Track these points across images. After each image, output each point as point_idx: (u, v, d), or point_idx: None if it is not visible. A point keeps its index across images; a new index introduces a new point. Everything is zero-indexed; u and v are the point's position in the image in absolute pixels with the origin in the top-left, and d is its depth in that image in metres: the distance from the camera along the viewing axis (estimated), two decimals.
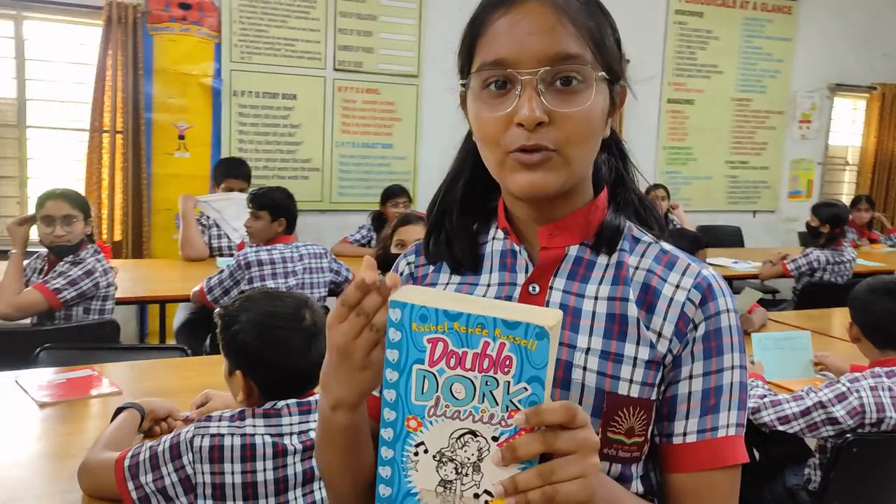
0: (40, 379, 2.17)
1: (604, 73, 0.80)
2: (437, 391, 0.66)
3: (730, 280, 5.05)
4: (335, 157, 5.39)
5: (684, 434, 0.82)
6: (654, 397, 0.82)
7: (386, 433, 0.68)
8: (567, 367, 0.80)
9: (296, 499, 1.40)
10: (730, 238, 6.39)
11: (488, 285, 0.88)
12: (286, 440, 1.40)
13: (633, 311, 0.82)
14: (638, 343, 0.81)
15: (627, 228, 0.89)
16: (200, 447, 1.36)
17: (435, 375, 0.66)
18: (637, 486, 0.84)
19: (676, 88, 6.38)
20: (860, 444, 1.92)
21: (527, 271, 0.86)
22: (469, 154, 0.90)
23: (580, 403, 0.79)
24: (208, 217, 4.27)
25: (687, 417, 0.82)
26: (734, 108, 6.63)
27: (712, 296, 0.83)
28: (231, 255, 3.82)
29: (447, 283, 0.90)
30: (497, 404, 0.65)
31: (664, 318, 0.82)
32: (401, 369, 0.67)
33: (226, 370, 1.53)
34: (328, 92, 5.30)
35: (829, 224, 4.35)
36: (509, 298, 0.85)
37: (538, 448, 0.64)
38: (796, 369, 2.40)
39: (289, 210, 3.41)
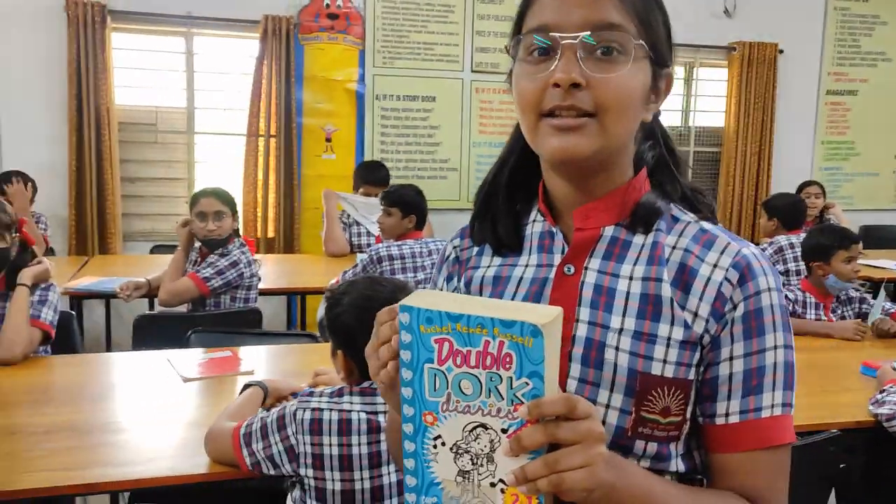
0: (187, 358, 2.41)
1: (645, 45, 0.81)
2: (447, 388, 0.70)
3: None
4: (472, 156, 5.50)
5: (727, 415, 0.82)
6: (691, 377, 0.82)
7: (407, 428, 0.74)
8: (600, 348, 0.82)
9: (389, 473, 1.50)
10: None
11: (526, 266, 0.90)
12: (380, 417, 1.49)
13: (667, 291, 0.82)
14: (672, 323, 0.82)
15: (667, 209, 0.88)
16: (302, 420, 1.48)
17: (444, 373, 0.70)
18: (678, 464, 0.84)
19: (837, 78, 5.96)
20: None
21: (563, 252, 0.88)
22: (518, 139, 0.93)
23: (612, 383, 0.81)
24: (349, 216, 4.50)
25: (729, 399, 0.82)
26: None
27: (752, 275, 0.82)
28: None
29: (489, 265, 0.93)
30: (503, 398, 0.68)
31: (700, 299, 0.82)
32: (414, 368, 0.72)
33: (331, 349, 1.65)
34: (466, 93, 5.43)
35: None
36: (545, 280, 0.88)
37: (541, 439, 0.67)
38: None
39: (419, 207, 3.54)
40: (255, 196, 5.17)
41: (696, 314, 0.82)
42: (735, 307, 0.82)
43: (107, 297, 3.67)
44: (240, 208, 5.07)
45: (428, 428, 0.72)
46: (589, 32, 0.79)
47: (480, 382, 0.69)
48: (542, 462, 0.68)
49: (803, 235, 3.38)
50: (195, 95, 5.17)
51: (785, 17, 5.77)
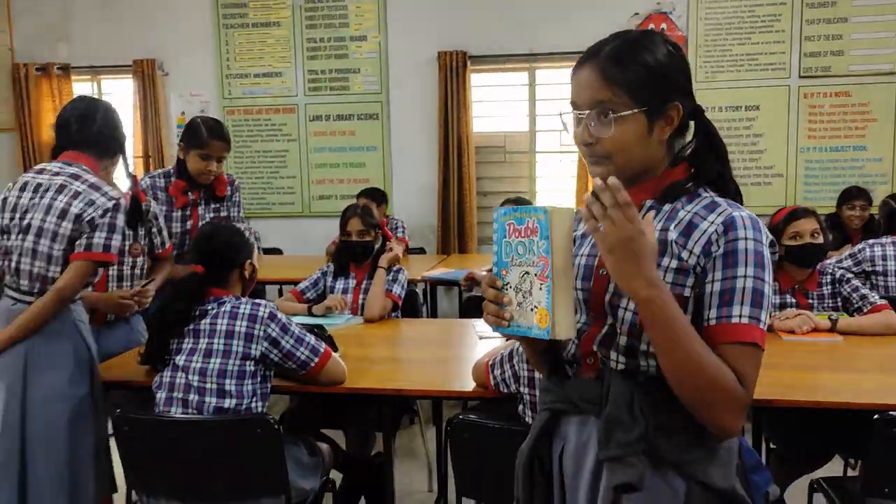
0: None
1: (634, 108, 1.25)
2: (512, 251, 1.24)
3: None
4: (800, 162, 5.48)
5: (709, 319, 1.21)
6: (686, 294, 1.23)
7: (498, 283, 1.27)
8: None
9: None
10: None
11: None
12: None
13: (672, 236, 1.25)
14: (671, 257, 1.24)
15: (697, 190, 1.29)
16: (521, 352, 2.09)
17: (511, 243, 1.24)
18: None
19: None
20: None
21: None
22: None
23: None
24: None
25: (710, 308, 1.21)
26: None
27: (734, 227, 1.21)
28: None
29: (583, 228, 1.36)
30: (535, 254, 1.20)
31: (696, 242, 1.23)
32: (498, 244, 1.27)
33: None
34: (793, 99, 5.44)
35: None
36: None
37: (597, 210, 1.15)
38: None
39: None
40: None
41: (691, 251, 1.24)
42: (719, 248, 1.22)
43: (449, 283, 4.63)
44: None
45: (504, 279, 1.26)
46: (590, 109, 1.27)
47: (526, 246, 1.22)
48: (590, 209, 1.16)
49: None
50: (536, 120, 6.04)
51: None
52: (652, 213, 1.29)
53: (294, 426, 2.81)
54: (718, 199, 1.28)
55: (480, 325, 3.14)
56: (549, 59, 5.85)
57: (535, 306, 1.20)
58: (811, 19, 5.36)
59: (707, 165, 1.33)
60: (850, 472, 3.08)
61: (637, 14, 5.68)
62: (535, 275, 1.20)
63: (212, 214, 3.36)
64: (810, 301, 2.95)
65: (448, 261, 5.23)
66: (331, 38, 6.14)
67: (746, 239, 1.21)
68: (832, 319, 2.76)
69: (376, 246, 3.38)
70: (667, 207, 1.30)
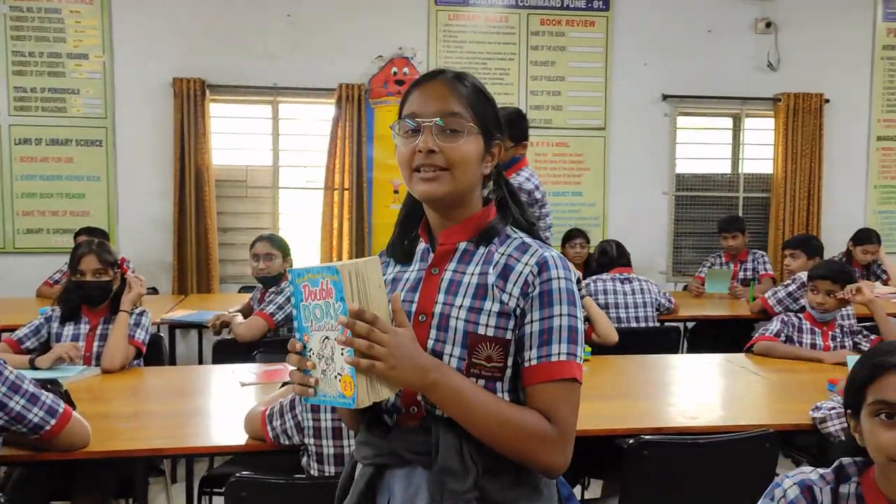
0: (247, 370, 2.96)
1: (476, 128, 1.27)
2: (311, 316, 1.15)
3: None
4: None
5: (529, 360, 1.23)
6: (508, 337, 1.23)
7: (299, 346, 1.17)
8: (447, 318, 1.25)
9: None
10: None
11: (412, 271, 1.35)
12: None
13: (492, 280, 1.25)
14: (493, 301, 1.24)
15: (506, 231, 1.32)
16: (306, 401, 1.96)
17: (308, 307, 1.15)
18: (504, 397, 1.24)
19: (887, 125, 6.10)
20: None
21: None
22: (409, 198, 1.39)
23: (454, 340, 1.23)
24: None
25: (530, 348, 1.23)
26: None
27: (547, 268, 1.24)
28: None
29: (394, 271, 1.37)
30: (333, 318, 1.11)
31: (514, 284, 1.24)
32: (296, 307, 1.16)
33: None
34: None
35: None
36: (420, 279, 1.32)
37: (349, 340, 1.09)
38: None
39: None
40: (331, 242, 5.77)
41: (510, 294, 1.24)
42: (535, 288, 1.23)
43: (195, 326, 4.30)
44: (317, 253, 5.73)
45: (307, 345, 1.16)
46: (439, 118, 1.26)
47: (323, 309, 1.13)
48: (348, 357, 1.09)
49: None
50: (280, 155, 5.89)
51: (829, 68, 6.01)
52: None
53: (15, 499, 2.35)
54: (528, 240, 1.30)
55: (241, 371, 2.91)
56: (293, 94, 5.75)
57: (339, 373, 1.12)
58: (535, 76, 5.89)
59: (510, 212, 1.36)
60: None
61: (381, 56, 5.82)
62: (336, 339, 1.11)
63: None
64: None
65: (187, 301, 4.85)
66: (43, 53, 5.47)
67: (559, 279, 1.24)
68: None
69: (115, 286, 3.00)
70: (482, 250, 1.30)
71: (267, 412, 2.06)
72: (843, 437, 2.24)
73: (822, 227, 5.96)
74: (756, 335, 3.42)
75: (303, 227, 5.92)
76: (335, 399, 1.13)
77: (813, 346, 3.28)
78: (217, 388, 2.79)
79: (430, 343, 1.24)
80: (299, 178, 5.97)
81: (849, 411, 1.36)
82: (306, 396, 1.17)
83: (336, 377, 1.12)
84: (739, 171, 6.17)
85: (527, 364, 1.23)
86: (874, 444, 1.27)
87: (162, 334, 3.61)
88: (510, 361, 1.25)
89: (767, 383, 2.93)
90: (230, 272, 5.84)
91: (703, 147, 6.30)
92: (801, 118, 5.92)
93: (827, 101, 5.97)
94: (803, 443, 2.90)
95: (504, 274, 1.25)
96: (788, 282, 4.22)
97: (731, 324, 4.51)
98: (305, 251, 5.78)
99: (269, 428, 2.04)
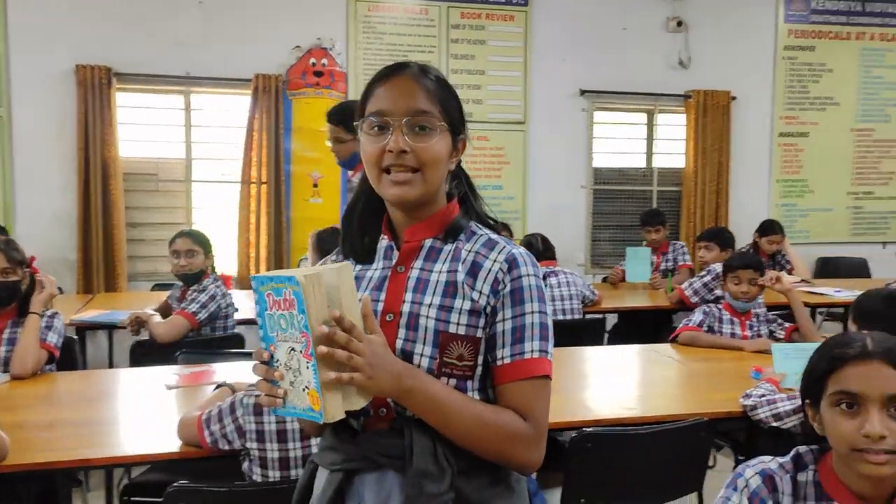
0: (170, 372, 2.82)
1: (445, 125, 1.23)
2: (276, 326, 1.08)
3: (830, 307, 5.05)
4: None
5: (502, 358, 1.20)
6: (478, 335, 1.20)
7: (266, 355, 1.10)
8: (416, 317, 1.21)
9: (315, 444, 1.88)
10: (853, 269, 6.24)
11: (376, 269, 1.31)
12: None
13: (461, 278, 1.22)
14: (463, 299, 1.21)
15: (470, 226, 1.29)
16: (247, 404, 1.88)
17: (273, 316, 1.08)
18: (474, 396, 1.21)
19: (788, 122, 6.42)
20: None
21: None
22: (365, 183, 1.34)
23: (425, 339, 1.19)
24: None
25: (503, 347, 1.20)
26: (855, 138, 6.55)
27: (516, 265, 1.21)
28: None
29: (355, 270, 1.32)
30: (297, 329, 1.05)
31: (483, 282, 1.21)
32: (261, 316, 1.09)
33: None
34: None
35: None
36: (385, 278, 1.28)
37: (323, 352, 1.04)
38: None
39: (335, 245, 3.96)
40: (248, 238, 5.60)
41: (480, 292, 1.21)
42: (505, 286, 1.21)
43: (108, 327, 4.07)
44: (234, 249, 5.55)
45: (274, 355, 1.09)
46: (410, 117, 1.21)
47: (287, 319, 1.06)
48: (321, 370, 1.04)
49: None
50: (193, 147, 5.66)
51: (736, 67, 6.27)
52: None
53: None
54: (493, 236, 1.28)
55: (165, 374, 2.77)
56: (207, 84, 5.54)
57: (307, 386, 1.06)
58: (455, 69, 5.89)
59: (472, 207, 1.34)
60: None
61: (298, 47, 5.68)
62: (300, 352, 1.06)
63: None
64: None
65: (95, 301, 4.59)
66: None
67: (529, 276, 1.22)
68: None
69: (23, 286, 2.79)
70: (449, 247, 1.27)
71: (203, 417, 1.96)
72: (774, 424, 2.33)
73: (730, 219, 6.21)
74: (680, 326, 3.52)
75: (218, 222, 5.71)
76: (304, 412, 1.07)
77: (733, 335, 3.40)
78: (139, 392, 2.63)
79: (400, 343, 1.20)
80: (214, 172, 5.76)
81: (807, 401, 1.40)
82: (274, 407, 1.11)
83: (304, 390, 1.06)
84: (653, 165, 6.36)
85: (499, 362, 1.21)
86: (835, 433, 1.30)
87: (74, 337, 3.39)
88: (480, 360, 1.22)
89: (694, 373, 3.02)
90: (140, 269, 5.58)
91: (619, 142, 6.45)
92: (710, 115, 6.16)
93: (734, 98, 6.22)
94: (726, 429, 2.99)
95: (473, 271, 1.23)
96: (704, 273, 4.36)
97: (650, 315, 4.63)
98: (221, 247, 5.57)
99: (206, 433, 1.94)
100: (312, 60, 5.70)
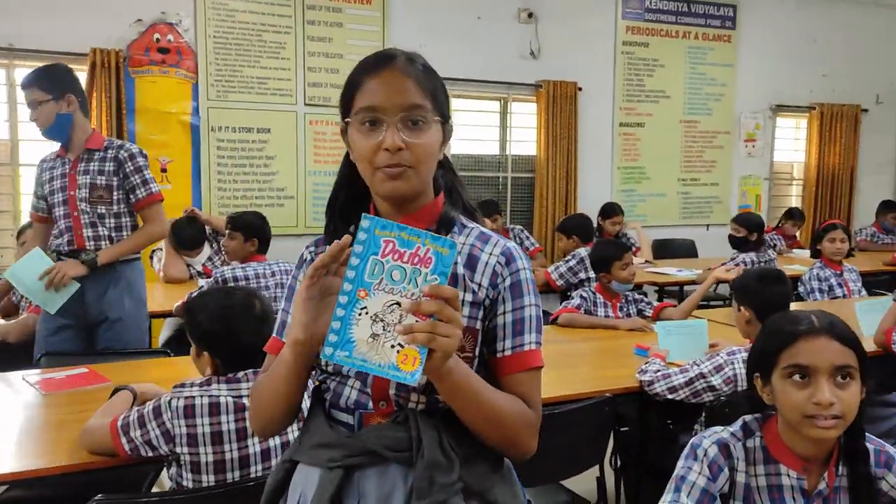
0: (43, 376, 2.54)
1: (438, 117, 1.21)
2: (382, 273, 1.03)
3: (673, 286, 5.46)
4: (309, 185, 5.80)
5: (503, 350, 1.22)
6: (477, 327, 1.20)
7: (342, 299, 1.04)
8: None
9: (253, 444, 1.78)
10: (684, 250, 6.79)
11: None
12: (244, 400, 1.78)
13: (460, 270, 1.21)
14: (465, 290, 1.20)
15: (458, 219, 1.28)
16: (176, 407, 1.73)
17: (383, 263, 1.03)
18: None
19: (627, 113, 6.87)
20: (729, 404, 2.32)
21: None
22: (347, 173, 1.28)
23: None
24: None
25: (504, 339, 1.22)
26: (683, 129, 7.13)
27: (513, 259, 1.23)
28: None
29: None
30: (417, 287, 1.03)
31: (482, 275, 1.21)
32: (362, 257, 1.03)
33: (193, 353, 1.91)
34: (300, 125, 5.73)
35: (754, 231, 4.84)
36: None
37: (432, 309, 1.01)
38: (694, 352, 2.79)
39: (261, 231, 3.81)
40: None
41: (480, 284, 1.21)
42: (504, 280, 1.22)
43: None
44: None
45: (359, 301, 1.03)
46: (404, 112, 1.16)
47: (406, 273, 1.03)
48: (426, 324, 1.01)
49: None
50: (19, 127, 5.10)
51: (581, 59, 6.60)
52: None
53: None
54: (484, 230, 1.29)
55: (34, 378, 2.49)
56: (34, 57, 4.98)
57: (400, 345, 1.03)
58: (312, 51, 5.73)
59: (458, 198, 1.33)
60: None
61: (140, 20, 5.28)
62: (409, 309, 1.03)
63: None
64: None
65: None
66: None
67: (524, 269, 1.25)
68: None
69: None
70: None
71: (119, 423, 1.79)
72: (669, 396, 2.49)
73: (579, 205, 6.55)
74: (559, 308, 3.67)
75: None
76: (380, 368, 1.04)
77: (606, 316, 3.60)
78: (10, 400, 2.35)
79: None
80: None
81: (756, 375, 1.52)
82: (333, 346, 1.04)
83: (393, 347, 1.03)
84: (507, 152, 6.56)
85: (500, 354, 1.22)
86: (788, 402, 1.43)
87: None
88: (478, 351, 1.22)
89: (580, 352, 3.17)
90: None
91: (474, 129, 6.58)
92: (559, 104, 6.44)
93: (580, 89, 6.54)
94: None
95: (471, 264, 1.23)
96: (569, 258, 4.57)
97: None
98: None
99: (123, 440, 1.77)
100: (157, 36, 5.31)
